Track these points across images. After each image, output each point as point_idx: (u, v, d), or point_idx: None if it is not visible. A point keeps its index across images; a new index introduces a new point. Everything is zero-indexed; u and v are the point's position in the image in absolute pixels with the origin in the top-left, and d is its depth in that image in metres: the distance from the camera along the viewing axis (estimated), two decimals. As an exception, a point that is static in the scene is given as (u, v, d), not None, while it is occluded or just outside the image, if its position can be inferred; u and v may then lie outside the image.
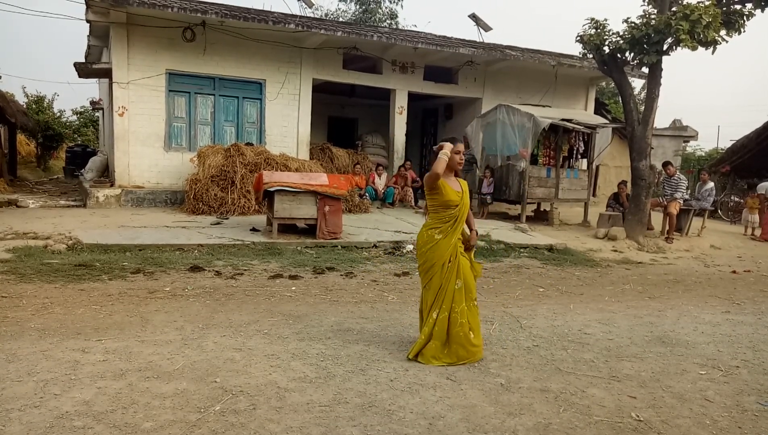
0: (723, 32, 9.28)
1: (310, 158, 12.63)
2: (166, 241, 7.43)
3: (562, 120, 11.56)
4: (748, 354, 4.45)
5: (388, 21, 25.53)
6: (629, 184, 11.06)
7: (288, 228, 8.55)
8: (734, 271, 8.45)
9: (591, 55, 10.76)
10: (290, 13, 14.82)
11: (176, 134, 11.71)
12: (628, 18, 9.78)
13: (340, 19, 24.91)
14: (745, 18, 9.39)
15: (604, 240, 10.01)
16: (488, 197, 12.12)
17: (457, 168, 4.03)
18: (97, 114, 24.25)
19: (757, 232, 11.88)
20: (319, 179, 8.50)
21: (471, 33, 43.12)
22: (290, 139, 12.60)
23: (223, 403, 3.07)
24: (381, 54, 13.28)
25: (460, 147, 4.04)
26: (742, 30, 9.47)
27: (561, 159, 12.11)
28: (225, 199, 10.23)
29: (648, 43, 9.59)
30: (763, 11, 9.38)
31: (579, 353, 4.23)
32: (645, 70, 11.11)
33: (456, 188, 3.99)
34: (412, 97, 14.21)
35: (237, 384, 3.32)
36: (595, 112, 15.31)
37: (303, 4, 18.45)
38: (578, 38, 10.51)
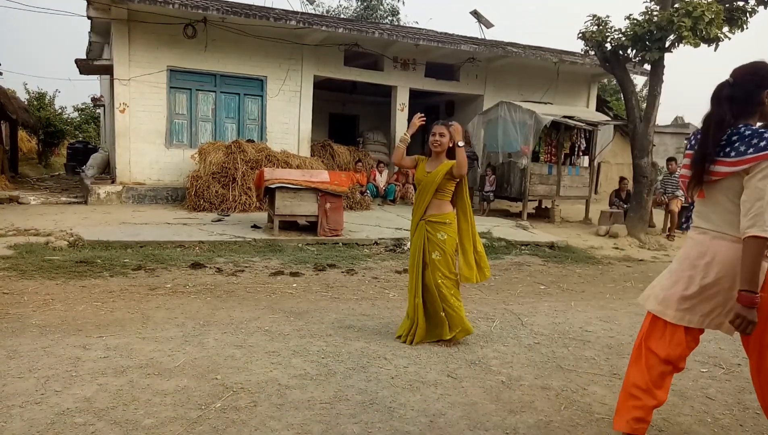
0: (725, 29, 9.25)
1: (311, 155, 12.62)
2: (167, 238, 7.44)
3: (564, 117, 11.54)
4: (750, 352, 4.43)
5: (389, 18, 25.52)
6: (630, 181, 11.05)
7: (289, 225, 8.55)
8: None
9: (593, 52, 10.73)
10: (291, 9, 14.82)
11: (177, 131, 11.71)
12: (630, 15, 9.75)
13: (342, 16, 24.87)
14: (747, 14, 9.36)
15: (605, 237, 10.00)
16: (491, 195, 12.12)
17: (433, 149, 4.15)
18: (98, 111, 24.28)
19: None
20: (320, 176, 8.50)
21: (473, 30, 42.93)
22: (291, 136, 12.59)
23: (224, 400, 3.07)
24: (382, 51, 13.26)
25: (437, 129, 4.14)
26: (744, 27, 9.44)
27: (562, 156, 12.11)
28: (226, 196, 10.23)
29: (650, 39, 9.56)
30: (765, 8, 9.35)
31: (580, 351, 4.23)
32: (647, 67, 11.09)
33: (429, 169, 4.14)
34: (414, 94, 14.19)
35: (238, 381, 3.32)
36: (597, 110, 15.29)
37: (304, 0, 18.42)
38: (580, 35, 10.48)
